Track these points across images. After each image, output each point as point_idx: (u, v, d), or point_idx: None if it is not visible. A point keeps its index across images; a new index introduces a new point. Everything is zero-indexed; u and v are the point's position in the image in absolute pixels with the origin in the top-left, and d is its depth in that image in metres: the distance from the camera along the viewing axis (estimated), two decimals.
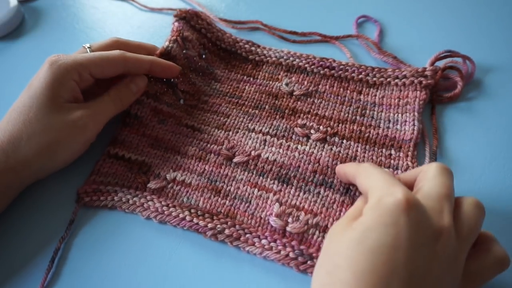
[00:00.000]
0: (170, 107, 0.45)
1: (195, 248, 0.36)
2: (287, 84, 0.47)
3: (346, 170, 0.36)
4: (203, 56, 0.49)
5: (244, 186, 0.39)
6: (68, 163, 0.39)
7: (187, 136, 0.43)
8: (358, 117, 0.43)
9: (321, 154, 0.41)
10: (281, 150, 0.41)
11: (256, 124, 0.44)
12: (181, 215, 0.37)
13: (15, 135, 0.35)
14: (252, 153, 0.41)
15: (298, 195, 0.38)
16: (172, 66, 0.44)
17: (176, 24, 0.48)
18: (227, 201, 0.38)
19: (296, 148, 0.41)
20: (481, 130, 0.43)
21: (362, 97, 0.45)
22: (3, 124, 0.36)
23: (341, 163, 0.40)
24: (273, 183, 0.39)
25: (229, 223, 0.36)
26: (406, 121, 0.42)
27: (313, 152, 0.41)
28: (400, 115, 0.43)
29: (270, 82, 0.47)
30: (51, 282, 0.34)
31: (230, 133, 0.43)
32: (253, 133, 0.43)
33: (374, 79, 0.46)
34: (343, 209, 0.37)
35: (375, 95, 0.45)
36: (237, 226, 0.36)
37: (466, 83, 0.46)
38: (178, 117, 0.44)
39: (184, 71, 0.46)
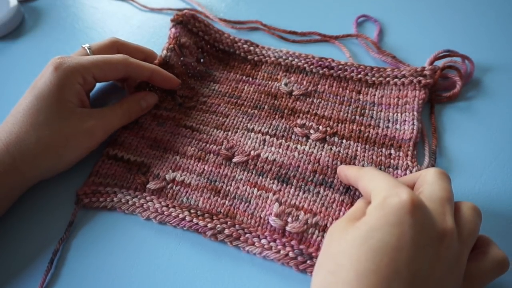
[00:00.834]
0: (169, 111, 0.45)
1: (195, 248, 0.36)
2: (286, 84, 0.47)
3: (348, 172, 0.36)
4: (201, 60, 0.49)
5: (243, 186, 0.39)
6: (72, 166, 0.39)
7: (186, 136, 0.43)
8: (357, 117, 0.43)
9: (321, 154, 0.41)
10: (280, 150, 0.41)
11: (256, 124, 0.44)
12: (180, 215, 0.37)
13: (22, 137, 0.35)
14: (252, 153, 0.41)
15: (298, 195, 0.38)
16: (172, 78, 0.44)
17: (173, 30, 0.49)
18: (227, 201, 0.38)
19: (296, 148, 0.41)
20: (481, 130, 0.43)
21: (361, 96, 0.45)
22: (7, 125, 0.36)
23: (341, 163, 0.40)
24: (273, 183, 0.39)
25: (228, 223, 0.36)
26: (405, 120, 0.42)
27: (312, 152, 0.41)
28: (399, 114, 0.43)
29: (269, 82, 0.47)
30: (50, 283, 0.34)
31: (229, 133, 0.43)
32: (253, 133, 0.43)
33: (373, 78, 0.46)
34: (343, 208, 0.37)
35: (374, 95, 0.45)
36: (236, 226, 0.36)
37: (465, 83, 0.46)
38: (177, 119, 0.44)
39: (182, 78, 0.47)
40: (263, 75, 0.48)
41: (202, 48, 0.50)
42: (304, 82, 0.47)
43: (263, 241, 0.35)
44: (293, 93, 0.46)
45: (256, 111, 0.45)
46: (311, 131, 0.42)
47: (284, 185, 0.39)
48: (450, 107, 0.45)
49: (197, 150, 0.42)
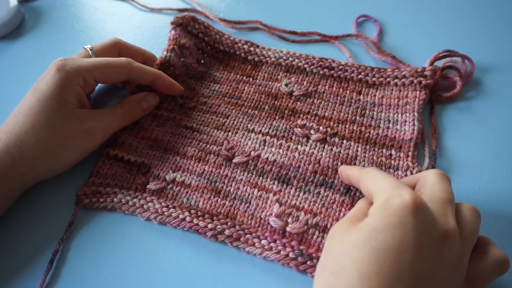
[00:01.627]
0: (169, 112, 0.45)
1: (195, 249, 0.36)
2: (286, 85, 0.47)
3: (349, 172, 0.36)
4: (202, 62, 0.49)
5: (244, 186, 0.39)
6: (72, 166, 0.39)
7: (186, 137, 0.43)
8: (358, 117, 0.43)
9: (321, 154, 0.41)
10: (281, 151, 0.41)
11: (256, 125, 0.43)
12: (181, 216, 0.37)
13: (22, 137, 0.35)
14: (252, 153, 0.41)
15: (298, 195, 0.38)
16: (174, 84, 0.44)
17: (173, 32, 0.49)
18: (227, 202, 0.38)
19: (296, 148, 0.41)
20: (481, 130, 0.43)
21: (361, 97, 0.45)
22: (8, 126, 0.36)
23: (341, 163, 0.40)
24: (273, 184, 0.39)
25: (229, 223, 0.36)
26: (406, 121, 0.42)
27: (313, 153, 0.41)
28: (400, 115, 0.43)
29: (270, 83, 0.47)
30: (49, 284, 0.34)
31: (230, 133, 0.43)
32: (253, 134, 0.43)
33: (374, 79, 0.46)
34: (343, 209, 0.37)
35: (375, 95, 0.45)
36: (237, 227, 0.36)
37: (465, 83, 0.46)
38: (177, 119, 0.44)
39: (183, 78, 0.47)
40: (263, 76, 0.48)
41: (202, 49, 0.50)
42: (305, 83, 0.47)
43: (263, 241, 0.35)
44: (294, 94, 0.46)
45: (256, 112, 0.45)
46: (312, 131, 0.42)
47: (285, 185, 0.39)
48: (450, 108, 0.45)
49: (198, 150, 0.42)
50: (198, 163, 0.41)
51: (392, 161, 0.40)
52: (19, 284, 0.34)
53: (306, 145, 0.41)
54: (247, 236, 0.36)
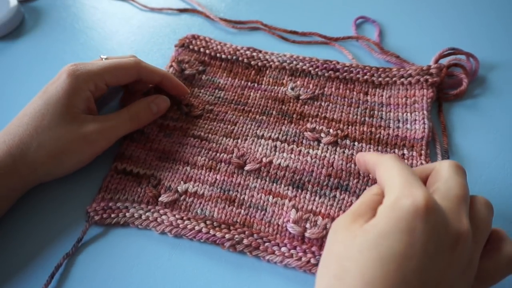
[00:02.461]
0: (175, 121, 0.44)
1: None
2: (292, 89, 0.46)
3: (367, 158, 0.34)
4: (205, 71, 0.49)
5: (258, 194, 0.38)
6: (73, 171, 0.39)
7: (195, 146, 0.42)
8: (367, 118, 0.43)
9: (334, 157, 0.40)
10: (292, 156, 0.41)
11: (265, 131, 0.43)
12: (197, 228, 0.36)
13: (25, 140, 0.35)
14: (264, 160, 0.40)
15: (314, 200, 0.38)
16: (181, 85, 0.44)
17: (174, 53, 0.50)
18: (242, 210, 0.37)
19: (308, 152, 0.41)
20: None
21: (369, 98, 0.45)
22: (13, 127, 0.36)
23: (355, 165, 0.39)
24: (288, 189, 0.38)
25: (246, 232, 0.36)
26: (415, 120, 0.42)
27: (325, 156, 0.40)
28: (409, 114, 0.43)
29: (275, 87, 0.47)
30: None
31: (239, 140, 0.42)
32: (263, 140, 0.42)
33: (380, 79, 0.46)
34: None
35: (382, 95, 0.45)
36: (255, 235, 0.35)
37: (470, 81, 0.46)
38: (184, 129, 0.43)
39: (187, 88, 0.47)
40: (268, 81, 0.48)
41: (203, 62, 0.50)
42: (311, 86, 0.47)
43: (283, 249, 0.35)
44: (300, 97, 0.46)
45: (264, 117, 0.44)
46: (322, 134, 0.42)
47: (299, 190, 0.38)
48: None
49: (208, 159, 0.41)
50: (209, 173, 0.40)
51: (406, 161, 0.40)
52: None
53: (318, 149, 0.41)
54: (266, 244, 0.35)
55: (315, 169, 0.40)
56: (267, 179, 0.39)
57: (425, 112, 0.42)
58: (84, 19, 0.59)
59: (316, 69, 0.48)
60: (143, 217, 0.37)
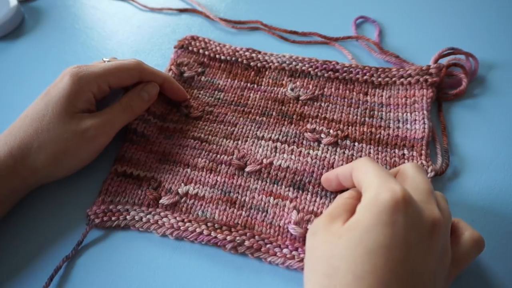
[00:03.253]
0: (175, 123, 0.44)
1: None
2: (292, 89, 0.46)
3: (339, 171, 0.35)
4: (204, 72, 0.49)
5: (259, 195, 0.38)
6: (75, 171, 0.39)
7: (195, 148, 0.42)
8: (367, 119, 0.43)
9: (334, 158, 0.40)
10: (293, 157, 0.41)
11: (265, 132, 0.43)
12: (198, 230, 0.36)
13: (25, 141, 0.36)
14: (264, 161, 0.40)
15: (315, 201, 0.38)
16: (181, 90, 0.45)
17: (173, 55, 0.50)
18: (244, 212, 0.37)
19: (308, 153, 0.41)
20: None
21: (368, 98, 0.45)
22: (14, 129, 0.36)
23: None
24: (288, 190, 0.38)
25: (248, 234, 0.36)
26: (415, 120, 0.42)
27: (326, 157, 0.40)
28: (409, 114, 0.43)
29: (275, 88, 0.47)
30: None
31: (239, 142, 0.42)
32: (263, 141, 0.42)
33: (379, 79, 0.46)
34: None
35: (382, 96, 0.45)
36: (256, 237, 0.35)
37: (470, 80, 0.46)
38: (184, 130, 0.43)
39: (186, 90, 0.47)
40: (268, 81, 0.48)
41: (202, 63, 0.50)
42: (310, 86, 0.47)
43: (284, 250, 0.35)
44: (300, 98, 0.46)
45: (264, 118, 0.44)
46: (322, 135, 0.42)
47: (300, 191, 0.38)
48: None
49: (208, 161, 0.41)
50: (210, 174, 0.40)
51: (406, 161, 0.40)
52: None
53: (318, 150, 0.41)
54: (268, 246, 0.35)
55: (315, 169, 0.40)
56: (268, 181, 0.39)
57: (425, 112, 0.42)
58: (84, 19, 0.59)
59: (316, 70, 0.47)
60: (144, 219, 0.37)
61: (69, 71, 0.38)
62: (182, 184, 0.39)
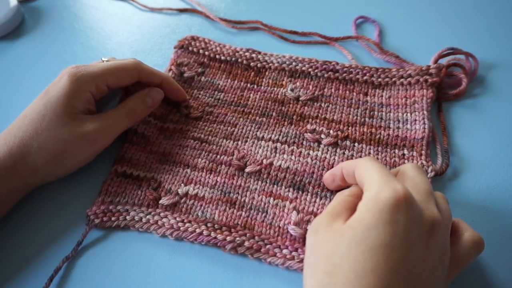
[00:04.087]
0: (175, 124, 0.44)
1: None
2: (292, 90, 0.46)
3: (343, 165, 0.35)
4: (204, 72, 0.49)
5: (259, 196, 0.38)
6: (74, 170, 0.39)
7: (195, 148, 0.42)
8: (367, 119, 0.43)
9: (334, 158, 0.40)
10: (293, 157, 0.41)
11: (265, 132, 0.43)
12: (197, 230, 0.36)
13: (25, 142, 0.36)
14: (264, 161, 0.40)
15: (315, 202, 0.38)
16: (180, 90, 0.44)
17: (173, 56, 0.50)
18: (243, 213, 0.37)
19: (308, 154, 0.41)
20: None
21: (368, 98, 0.45)
22: (14, 129, 0.36)
23: None
24: (288, 191, 0.38)
25: (248, 235, 0.36)
26: (415, 120, 0.42)
27: (325, 157, 0.40)
28: (409, 114, 0.43)
29: (275, 89, 0.47)
30: None
31: (239, 142, 0.42)
32: (263, 141, 0.42)
33: (379, 79, 0.46)
34: None
35: (382, 96, 0.45)
36: (256, 238, 0.35)
37: (470, 80, 0.46)
38: (184, 131, 0.43)
39: (186, 90, 0.47)
40: (267, 82, 0.48)
41: (202, 64, 0.50)
42: (310, 87, 0.47)
43: (284, 251, 0.35)
44: (300, 99, 0.46)
45: (264, 119, 0.44)
46: (322, 136, 0.42)
47: (300, 192, 0.38)
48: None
49: (208, 162, 0.41)
50: (210, 175, 0.40)
51: (406, 161, 0.40)
52: None
53: (318, 150, 0.41)
54: (268, 246, 0.35)
55: (315, 170, 0.40)
56: (268, 181, 0.39)
57: (425, 112, 0.42)
58: (84, 19, 0.59)
59: (316, 70, 0.47)
60: (144, 220, 0.37)
61: (68, 71, 0.38)
62: (182, 184, 0.39)
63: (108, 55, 0.53)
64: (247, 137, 0.43)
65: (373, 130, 0.42)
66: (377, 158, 0.40)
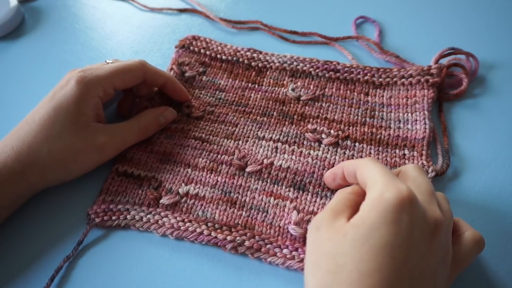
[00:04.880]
0: (176, 123, 0.44)
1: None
2: (293, 90, 0.46)
3: (344, 165, 0.35)
4: (205, 72, 0.49)
5: (259, 195, 0.38)
6: (80, 176, 0.39)
7: (196, 148, 0.42)
8: (368, 119, 0.43)
9: (335, 158, 0.40)
10: (293, 157, 0.41)
11: (266, 132, 0.43)
12: (198, 230, 0.36)
13: (34, 147, 0.35)
14: (265, 161, 0.40)
15: (315, 201, 0.38)
16: (183, 90, 0.45)
17: (174, 55, 0.50)
18: (244, 212, 0.37)
19: (309, 153, 0.41)
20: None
21: (369, 98, 0.45)
22: (21, 133, 0.36)
23: None
24: (289, 191, 0.38)
25: (248, 234, 0.36)
26: (416, 120, 0.42)
27: (326, 157, 0.40)
28: (409, 114, 0.43)
29: (276, 88, 0.47)
30: None
31: (240, 142, 0.42)
32: (264, 141, 0.42)
33: (380, 79, 0.46)
34: None
35: (383, 96, 0.45)
36: (256, 237, 0.35)
37: (470, 80, 0.46)
38: (185, 130, 0.43)
39: (188, 90, 0.47)
40: (269, 82, 0.48)
41: (204, 63, 0.50)
42: (311, 87, 0.47)
43: (284, 251, 0.35)
44: (301, 98, 0.46)
45: (265, 119, 0.44)
46: (323, 135, 0.42)
47: (301, 192, 0.38)
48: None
49: (209, 161, 0.41)
50: (210, 174, 0.40)
51: (406, 161, 0.40)
52: None
53: (319, 150, 0.41)
54: (268, 246, 0.35)
55: (316, 170, 0.40)
56: (268, 181, 0.39)
57: (426, 112, 0.42)
58: (84, 19, 0.59)
59: (317, 70, 0.47)
60: (144, 219, 0.37)
61: (75, 76, 0.37)
62: (183, 184, 0.39)
63: (108, 55, 0.53)
64: (248, 137, 0.43)
65: (374, 130, 0.42)
66: (378, 158, 0.40)
